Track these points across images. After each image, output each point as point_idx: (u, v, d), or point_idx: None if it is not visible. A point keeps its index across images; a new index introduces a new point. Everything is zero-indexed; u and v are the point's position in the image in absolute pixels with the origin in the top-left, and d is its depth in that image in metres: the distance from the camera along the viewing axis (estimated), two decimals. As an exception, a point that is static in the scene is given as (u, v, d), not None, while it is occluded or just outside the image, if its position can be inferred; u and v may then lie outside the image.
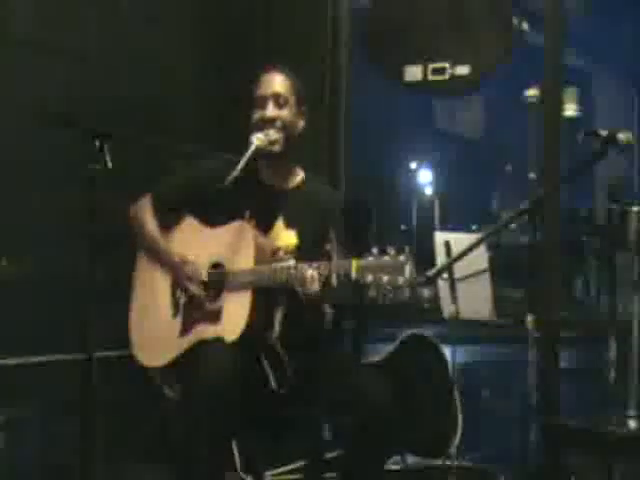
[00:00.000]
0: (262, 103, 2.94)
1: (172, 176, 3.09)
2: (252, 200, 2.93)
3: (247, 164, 2.81)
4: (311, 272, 2.65)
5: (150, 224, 3.02)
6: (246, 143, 2.89)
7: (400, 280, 2.53)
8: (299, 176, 3.06)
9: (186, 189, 3.02)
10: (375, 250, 2.56)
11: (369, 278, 2.55)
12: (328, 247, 2.67)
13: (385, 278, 2.53)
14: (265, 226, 2.90)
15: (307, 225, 2.93)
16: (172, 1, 4.41)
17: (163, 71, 4.27)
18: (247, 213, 2.91)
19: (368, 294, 2.57)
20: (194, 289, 2.87)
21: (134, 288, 3.06)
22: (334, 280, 2.63)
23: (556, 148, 4.08)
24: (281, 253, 2.88)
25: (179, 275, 2.92)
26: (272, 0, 4.80)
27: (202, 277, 2.88)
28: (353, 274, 2.58)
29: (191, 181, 3.04)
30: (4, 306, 3.52)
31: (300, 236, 2.92)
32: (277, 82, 2.96)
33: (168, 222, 3.04)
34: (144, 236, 3.03)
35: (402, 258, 2.54)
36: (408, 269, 2.53)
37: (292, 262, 2.74)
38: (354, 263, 2.58)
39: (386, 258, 2.55)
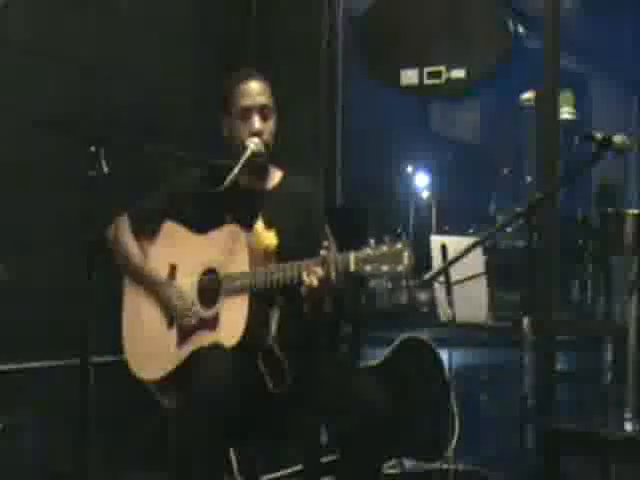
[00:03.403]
0: (247, 115, 2.94)
1: (148, 196, 3.08)
2: (231, 204, 2.92)
3: (225, 169, 2.82)
4: (311, 269, 2.65)
5: (131, 248, 3.01)
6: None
7: (399, 268, 2.53)
8: (277, 176, 3.07)
9: (165, 205, 3.02)
10: (372, 242, 2.57)
11: (368, 269, 2.56)
12: (325, 243, 2.68)
13: (384, 267, 2.54)
14: (245, 228, 2.90)
15: (287, 224, 2.94)
16: (171, 3, 4.42)
17: (162, 74, 4.27)
18: (228, 218, 2.91)
19: (368, 286, 2.57)
20: (189, 321, 2.85)
21: (124, 303, 3.03)
22: (333, 275, 2.63)
23: (554, 151, 4.09)
24: (263, 254, 2.88)
25: (171, 309, 2.89)
26: (270, 2, 4.81)
27: (192, 305, 2.86)
28: (352, 267, 2.58)
29: (168, 197, 3.03)
30: (2, 310, 3.52)
31: (280, 235, 2.92)
32: (259, 92, 2.96)
33: (148, 233, 3.03)
34: (127, 263, 3.01)
35: (399, 246, 2.54)
36: (406, 256, 2.53)
37: (298, 262, 2.73)
38: (352, 256, 2.59)
39: (383, 248, 2.55)
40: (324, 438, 3.19)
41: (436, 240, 3.91)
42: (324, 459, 3.19)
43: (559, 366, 4.06)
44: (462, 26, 4.56)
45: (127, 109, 4.01)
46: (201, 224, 2.92)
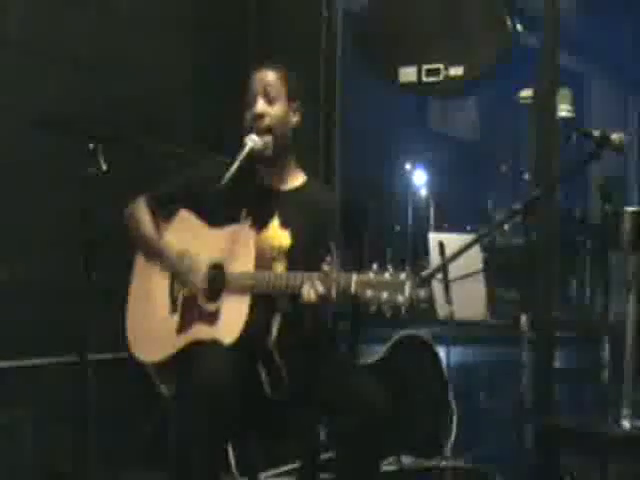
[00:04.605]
0: (252, 101, 2.92)
1: (170, 178, 3.09)
2: (249, 200, 2.92)
3: (244, 165, 2.82)
4: (312, 283, 2.66)
5: (146, 223, 2.99)
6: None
7: (400, 299, 2.51)
8: (299, 179, 3.06)
9: (184, 189, 3.02)
10: (375, 266, 2.56)
11: (368, 294, 2.53)
12: (328, 259, 2.66)
13: (385, 295, 2.52)
14: (260, 225, 2.90)
15: (302, 226, 2.93)
16: (171, 3, 4.42)
17: (163, 73, 4.28)
18: (244, 212, 2.92)
19: (367, 309, 2.56)
20: (196, 281, 2.84)
21: (132, 283, 3.03)
22: (333, 293, 2.62)
23: (552, 149, 4.09)
24: (274, 253, 2.89)
25: (180, 268, 2.89)
26: (270, 2, 4.82)
27: (203, 270, 2.86)
28: (353, 288, 2.57)
29: (190, 181, 3.03)
30: (2, 310, 3.53)
31: (294, 237, 2.92)
32: (267, 77, 2.94)
33: (164, 217, 3.04)
34: (140, 236, 3.00)
35: (402, 277, 2.52)
36: (408, 288, 2.52)
37: (300, 273, 2.73)
38: (354, 278, 2.57)
39: (387, 275, 2.53)
40: (322, 436, 3.20)
41: (434, 238, 3.92)
42: (322, 456, 3.19)
43: (556, 363, 4.06)
44: (461, 24, 4.57)
45: (127, 109, 4.01)
46: (217, 218, 2.93)
